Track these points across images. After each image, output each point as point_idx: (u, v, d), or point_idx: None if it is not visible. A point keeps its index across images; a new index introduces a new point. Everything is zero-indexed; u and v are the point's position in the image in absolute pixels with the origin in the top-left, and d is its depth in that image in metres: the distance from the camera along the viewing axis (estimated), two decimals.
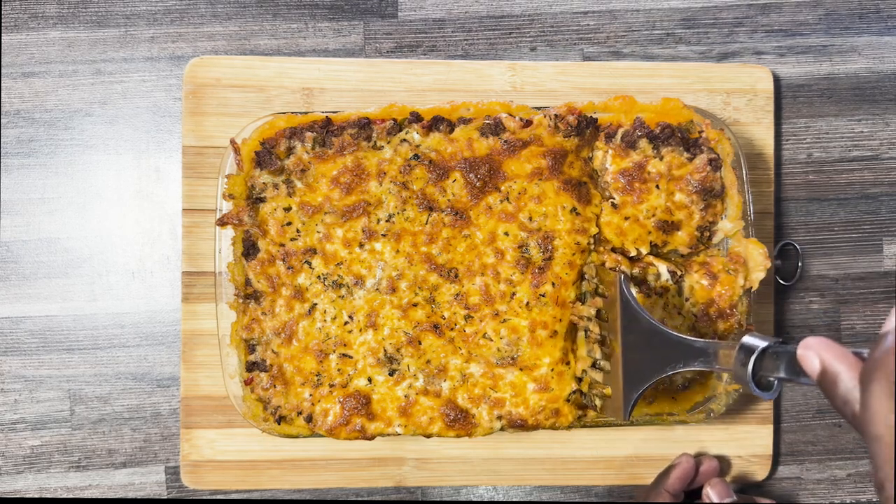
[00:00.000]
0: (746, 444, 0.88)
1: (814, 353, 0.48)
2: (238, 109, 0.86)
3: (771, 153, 0.88)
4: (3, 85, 0.88)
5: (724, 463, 0.88)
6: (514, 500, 0.90)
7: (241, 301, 0.78)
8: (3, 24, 0.88)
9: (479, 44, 0.90)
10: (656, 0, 0.90)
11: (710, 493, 0.81)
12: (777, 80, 0.90)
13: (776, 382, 0.57)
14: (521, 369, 0.77)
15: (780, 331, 0.90)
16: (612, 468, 0.88)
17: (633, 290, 0.77)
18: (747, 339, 0.57)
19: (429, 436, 0.78)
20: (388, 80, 0.87)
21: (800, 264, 0.90)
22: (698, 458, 0.85)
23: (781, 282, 0.88)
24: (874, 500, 0.91)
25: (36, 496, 0.88)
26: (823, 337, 0.48)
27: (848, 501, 0.91)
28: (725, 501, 0.80)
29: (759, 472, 0.89)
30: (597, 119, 0.79)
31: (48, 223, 0.89)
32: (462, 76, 0.87)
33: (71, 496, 0.88)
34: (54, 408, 0.88)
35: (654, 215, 0.78)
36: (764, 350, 0.56)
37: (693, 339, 0.66)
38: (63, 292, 0.88)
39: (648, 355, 0.68)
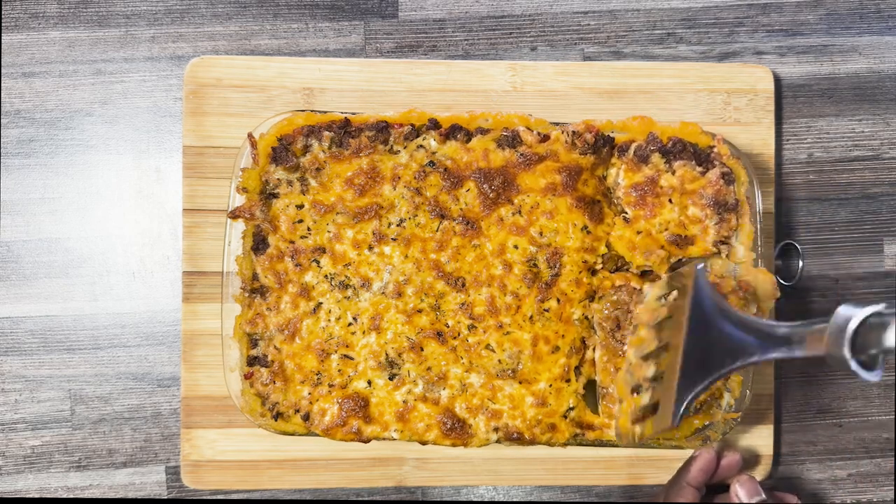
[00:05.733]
0: (746, 443, 0.88)
1: None
2: (239, 109, 0.86)
3: (771, 153, 0.88)
4: (3, 85, 0.88)
5: (747, 455, 0.87)
6: (515, 500, 0.90)
7: (247, 295, 0.79)
8: (3, 24, 0.88)
9: (480, 44, 0.90)
10: (657, 0, 0.90)
11: (739, 491, 0.78)
12: (778, 80, 0.90)
13: (880, 357, 0.48)
14: (520, 382, 0.77)
15: None
16: (613, 468, 0.88)
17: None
18: (843, 310, 0.49)
19: (424, 443, 0.78)
20: (389, 81, 0.87)
21: (801, 264, 0.90)
22: (719, 450, 0.83)
23: (782, 282, 0.88)
24: (875, 500, 0.91)
25: (36, 496, 0.88)
26: None
27: (848, 501, 0.91)
28: (754, 500, 0.78)
29: (760, 472, 0.89)
30: (613, 138, 0.79)
31: (49, 223, 0.89)
32: (462, 76, 0.87)
33: (71, 496, 0.88)
34: (55, 408, 0.88)
35: (666, 229, 0.77)
36: (863, 321, 0.48)
37: (776, 323, 0.58)
38: (64, 292, 0.88)
39: (710, 351, 0.61)
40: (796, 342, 0.56)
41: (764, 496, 0.78)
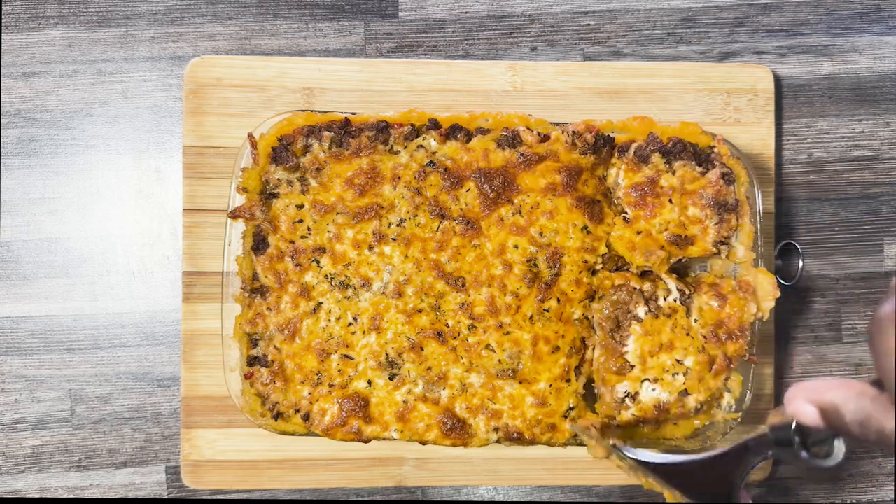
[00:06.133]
0: None
1: (801, 400, 0.45)
2: (239, 109, 0.86)
3: (772, 153, 0.88)
4: (3, 85, 0.88)
5: None
6: (514, 500, 0.90)
7: (247, 295, 0.79)
8: (3, 24, 0.88)
9: (480, 44, 0.90)
10: (657, 0, 0.90)
11: None
12: (778, 80, 0.90)
13: (834, 442, 0.50)
14: (520, 382, 0.77)
15: (781, 331, 0.90)
16: (613, 468, 0.88)
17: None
18: (774, 424, 0.52)
19: (424, 443, 0.78)
20: (389, 80, 0.87)
21: (801, 264, 0.90)
22: None
23: (782, 282, 0.88)
24: (874, 500, 0.91)
25: (36, 496, 0.88)
26: (799, 382, 0.46)
27: (848, 501, 0.91)
28: None
29: (760, 472, 0.89)
30: (614, 138, 0.79)
31: (49, 223, 0.89)
32: (462, 76, 0.87)
33: (71, 496, 0.88)
34: (55, 408, 0.88)
35: (666, 229, 0.77)
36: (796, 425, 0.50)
37: (724, 450, 0.63)
38: (64, 292, 0.88)
39: (716, 482, 0.66)
40: (762, 449, 0.59)
41: None
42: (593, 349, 0.79)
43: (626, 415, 0.78)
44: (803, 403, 0.45)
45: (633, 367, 0.77)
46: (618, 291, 0.78)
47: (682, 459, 0.67)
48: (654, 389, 0.77)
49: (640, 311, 0.77)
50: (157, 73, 0.89)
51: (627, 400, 0.78)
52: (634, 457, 0.70)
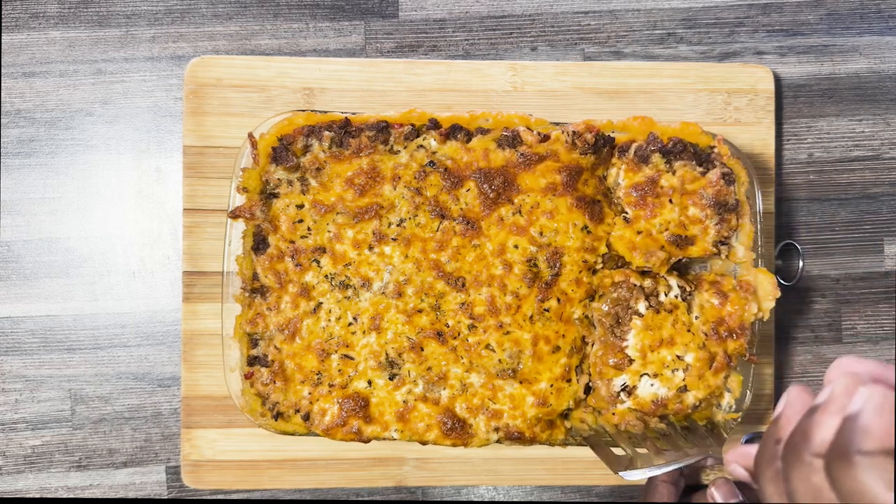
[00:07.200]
0: None
1: (735, 465, 0.52)
2: (239, 109, 0.86)
3: (772, 153, 0.88)
4: (3, 85, 0.88)
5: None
6: (515, 500, 0.90)
7: (247, 295, 0.78)
8: (3, 24, 0.88)
9: (480, 44, 0.90)
10: (657, 0, 0.90)
11: (715, 493, 0.80)
12: (778, 80, 0.90)
13: None
14: (520, 382, 0.77)
15: (781, 331, 0.90)
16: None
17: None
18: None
19: (424, 443, 0.77)
20: (389, 80, 0.87)
21: (801, 264, 0.90)
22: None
23: (783, 282, 0.88)
24: None
25: (37, 496, 0.88)
26: (737, 448, 0.52)
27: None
28: (731, 502, 0.79)
29: None
30: (614, 138, 0.79)
31: (49, 223, 0.89)
32: (463, 76, 0.87)
33: (72, 496, 0.88)
34: (55, 407, 0.88)
35: (667, 230, 0.77)
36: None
37: (697, 458, 0.71)
38: (64, 292, 0.88)
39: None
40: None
41: (741, 498, 0.79)
42: (592, 345, 0.79)
43: (622, 409, 0.78)
44: (737, 467, 0.52)
45: (632, 361, 0.77)
46: (618, 288, 0.78)
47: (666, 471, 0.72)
48: (652, 384, 0.77)
49: (641, 306, 0.77)
50: (157, 73, 0.89)
51: (623, 394, 0.77)
52: (626, 476, 0.74)
